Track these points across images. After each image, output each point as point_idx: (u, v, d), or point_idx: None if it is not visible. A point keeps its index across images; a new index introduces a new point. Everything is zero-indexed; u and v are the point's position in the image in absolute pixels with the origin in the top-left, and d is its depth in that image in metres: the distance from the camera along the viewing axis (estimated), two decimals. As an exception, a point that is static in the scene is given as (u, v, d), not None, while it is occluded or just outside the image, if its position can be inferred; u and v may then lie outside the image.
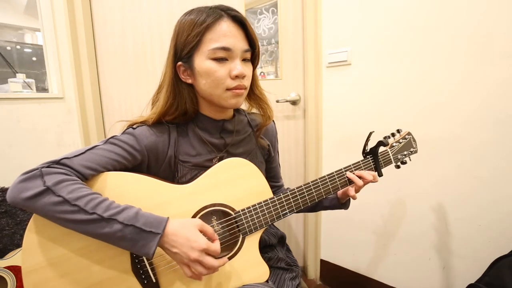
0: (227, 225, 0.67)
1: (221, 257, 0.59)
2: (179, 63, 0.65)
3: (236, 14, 0.63)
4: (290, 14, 1.36)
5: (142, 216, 0.54)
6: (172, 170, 0.69)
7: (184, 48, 0.63)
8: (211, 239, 0.58)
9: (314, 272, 1.54)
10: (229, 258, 0.65)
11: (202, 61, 0.63)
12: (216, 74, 0.62)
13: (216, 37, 0.61)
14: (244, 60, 0.65)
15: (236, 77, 0.63)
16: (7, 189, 0.84)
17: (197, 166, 0.70)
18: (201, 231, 0.57)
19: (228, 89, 0.64)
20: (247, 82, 0.66)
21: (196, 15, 0.62)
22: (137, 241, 0.52)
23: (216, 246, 0.56)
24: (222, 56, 0.62)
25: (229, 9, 0.64)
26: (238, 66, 0.63)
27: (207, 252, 0.55)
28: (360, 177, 0.74)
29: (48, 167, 0.54)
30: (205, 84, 0.64)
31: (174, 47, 0.65)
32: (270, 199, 0.69)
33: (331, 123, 1.37)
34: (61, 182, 0.52)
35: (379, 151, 0.79)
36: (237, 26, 0.64)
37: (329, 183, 0.73)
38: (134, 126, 0.66)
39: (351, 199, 0.82)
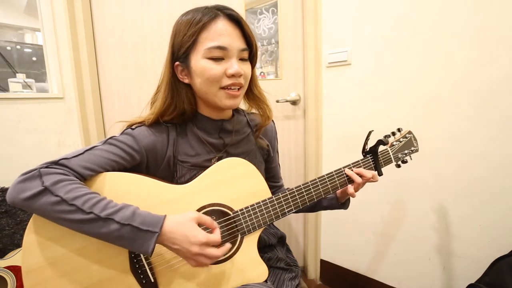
0: (226, 225, 0.67)
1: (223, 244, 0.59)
2: (177, 63, 0.65)
3: (231, 13, 0.63)
4: (290, 14, 1.36)
5: (139, 215, 0.54)
6: (171, 170, 0.69)
7: (181, 48, 0.63)
8: (210, 229, 0.58)
9: (314, 272, 1.54)
10: (228, 258, 0.65)
11: (198, 60, 0.63)
12: (211, 72, 0.62)
13: (211, 36, 0.61)
14: (242, 59, 0.65)
15: (232, 76, 0.63)
16: (7, 189, 0.84)
17: (196, 166, 0.70)
18: (199, 223, 0.57)
19: (222, 88, 0.64)
20: (244, 81, 0.66)
21: (192, 15, 0.63)
22: (135, 240, 0.53)
23: (215, 236, 0.56)
24: (218, 56, 0.62)
25: (225, 8, 0.64)
26: (234, 65, 0.63)
27: (208, 244, 0.55)
28: (359, 175, 0.74)
29: (46, 167, 0.54)
30: (201, 83, 0.64)
31: (171, 47, 0.66)
32: (268, 199, 0.69)
33: (331, 123, 1.37)
34: (59, 182, 0.52)
35: (379, 150, 0.78)
36: (233, 25, 0.63)
37: (328, 183, 0.73)
38: (133, 127, 0.66)
39: (350, 199, 0.82)
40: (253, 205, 0.68)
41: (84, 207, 0.51)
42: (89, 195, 0.53)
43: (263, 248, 0.82)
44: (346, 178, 0.75)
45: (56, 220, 0.53)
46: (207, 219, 0.58)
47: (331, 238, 1.47)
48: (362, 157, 0.79)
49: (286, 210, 0.70)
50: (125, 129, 0.67)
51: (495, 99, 0.94)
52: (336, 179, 0.74)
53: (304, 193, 0.71)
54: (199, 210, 0.64)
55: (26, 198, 0.51)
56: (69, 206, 0.51)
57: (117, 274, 0.59)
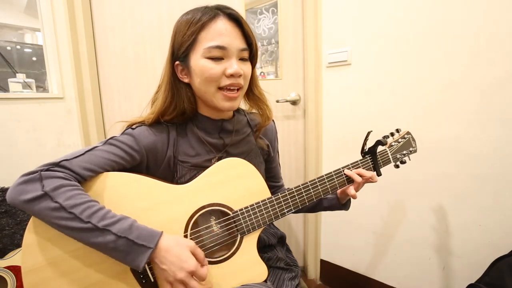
0: (226, 225, 0.67)
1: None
2: (177, 62, 0.66)
3: (231, 12, 0.63)
4: (290, 14, 1.36)
5: (136, 228, 0.53)
6: (172, 170, 0.69)
7: (180, 47, 0.64)
8: (200, 264, 0.56)
9: (314, 272, 1.54)
10: (227, 258, 0.65)
11: (197, 60, 0.63)
12: (210, 72, 0.62)
13: (211, 36, 0.61)
14: (242, 59, 0.65)
15: (232, 76, 0.63)
16: (7, 189, 0.84)
17: (196, 166, 0.70)
18: (192, 253, 0.56)
19: (220, 88, 0.64)
20: (243, 81, 0.66)
21: (192, 15, 0.63)
22: (128, 253, 0.52)
23: (203, 271, 0.55)
24: (218, 55, 0.62)
25: (225, 7, 0.64)
26: (234, 65, 0.62)
27: (194, 275, 0.54)
28: (358, 175, 0.74)
29: (47, 170, 0.54)
30: (200, 83, 0.64)
31: (171, 46, 0.66)
32: (268, 199, 0.69)
33: (331, 123, 1.37)
34: (59, 188, 0.52)
35: (378, 151, 0.79)
36: (233, 25, 0.63)
37: (327, 183, 0.73)
38: (133, 127, 0.66)
39: (351, 199, 0.82)
40: (252, 205, 0.68)
41: (82, 216, 0.51)
42: (88, 203, 0.53)
43: (263, 248, 0.82)
44: (345, 178, 0.75)
45: (53, 225, 0.53)
46: (201, 253, 0.57)
47: (331, 238, 1.47)
48: (361, 157, 0.79)
49: (286, 210, 0.70)
50: (126, 129, 0.67)
51: (495, 99, 0.94)
52: (335, 179, 0.74)
53: (304, 194, 0.71)
54: (199, 210, 0.64)
55: (25, 201, 0.51)
56: (67, 214, 0.51)
57: (117, 274, 0.59)
